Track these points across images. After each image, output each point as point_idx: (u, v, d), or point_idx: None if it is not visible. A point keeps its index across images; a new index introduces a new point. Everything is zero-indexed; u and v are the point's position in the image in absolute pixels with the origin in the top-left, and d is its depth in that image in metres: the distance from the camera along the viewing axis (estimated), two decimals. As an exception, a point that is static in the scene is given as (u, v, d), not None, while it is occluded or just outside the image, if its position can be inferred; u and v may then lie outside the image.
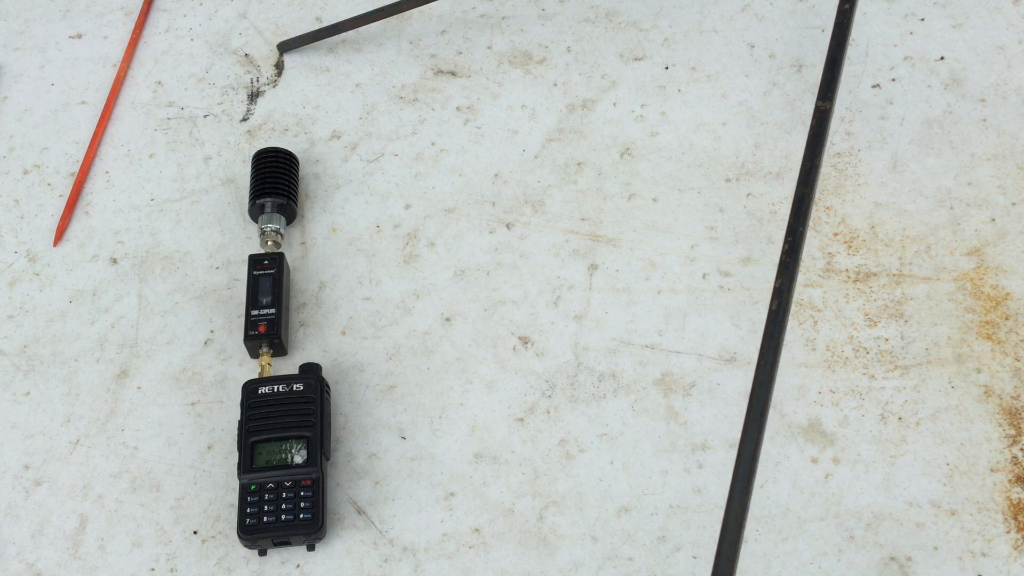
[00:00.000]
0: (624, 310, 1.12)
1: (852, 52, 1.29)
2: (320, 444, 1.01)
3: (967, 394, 1.05)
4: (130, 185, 1.24)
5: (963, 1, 1.34)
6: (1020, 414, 1.04)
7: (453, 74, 1.32)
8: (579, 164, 1.23)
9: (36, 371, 1.11)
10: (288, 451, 1.01)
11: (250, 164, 1.22)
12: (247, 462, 1.00)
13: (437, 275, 1.16)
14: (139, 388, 1.10)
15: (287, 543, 0.99)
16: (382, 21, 1.34)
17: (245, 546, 0.99)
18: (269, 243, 1.16)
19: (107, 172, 1.25)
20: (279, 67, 1.34)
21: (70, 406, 1.09)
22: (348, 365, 1.10)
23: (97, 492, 1.04)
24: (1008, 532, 0.98)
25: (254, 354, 1.10)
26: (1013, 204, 1.17)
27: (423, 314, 1.13)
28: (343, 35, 1.34)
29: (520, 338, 1.11)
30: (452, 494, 1.03)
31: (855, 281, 1.13)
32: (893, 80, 1.28)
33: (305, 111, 1.30)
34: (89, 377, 1.11)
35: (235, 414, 1.07)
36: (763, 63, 1.30)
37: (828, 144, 1.14)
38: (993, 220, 1.16)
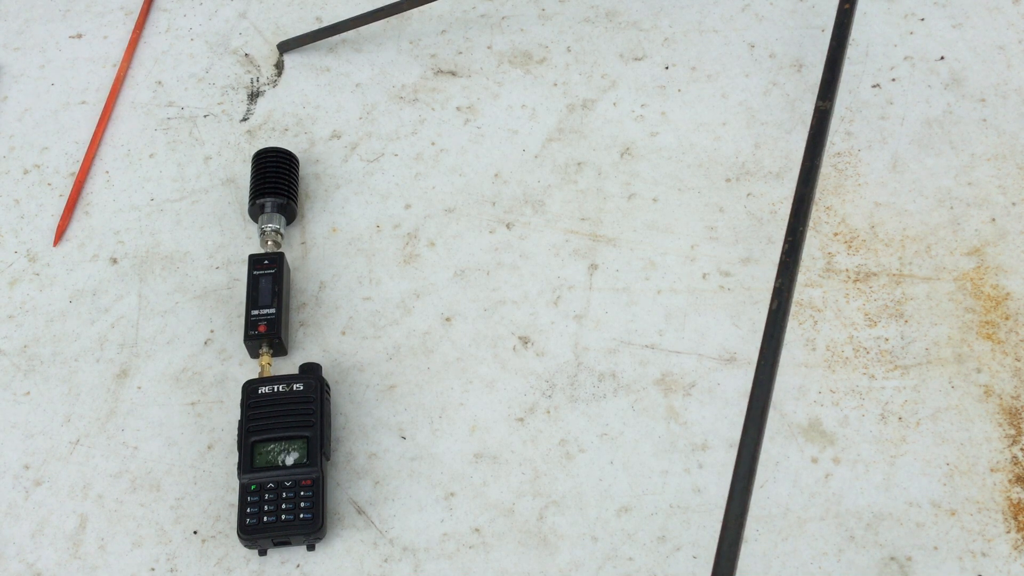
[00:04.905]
0: (624, 310, 1.12)
1: (852, 52, 1.29)
2: (320, 444, 1.01)
3: (967, 394, 1.05)
4: (130, 185, 1.24)
5: (963, 1, 1.34)
6: (1020, 414, 1.04)
7: (453, 74, 1.32)
8: (579, 164, 1.23)
9: (36, 371, 1.11)
10: (288, 451, 1.01)
11: (250, 164, 1.22)
12: (247, 462, 1.00)
13: (437, 275, 1.16)
14: (139, 388, 1.10)
15: (287, 543, 0.99)
16: (382, 21, 1.34)
17: (245, 546, 0.99)
18: (269, 243, 1.16)
19: (107, 172, 1.25)
20: (279, 67, 1.34)
21: (70, 406, 1.09)
22: (348, 365, 1.10)
23: (97, 492, 1.04)
24: (1008, 532, 0.98)
25: (254, 354, 1.10)
26: (1013, 204, 1.17)
27: (423, 314, 1.13)
28: (343, 35, 1.34)
29: (520, 338, 1.11)
30: (452, 494, 1.03)
31: (855, 281, 1.13)
32: (893, 80, 1.28)
33: (305, 111, 1.30)
34: (89, 377, 1.11)
35: (235, 414, 1.07)
36: (763, 63, 1.30)
37: (828, 144, 1.14)
38: (993, 220, 1.16)
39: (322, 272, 1.17)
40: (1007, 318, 1.10)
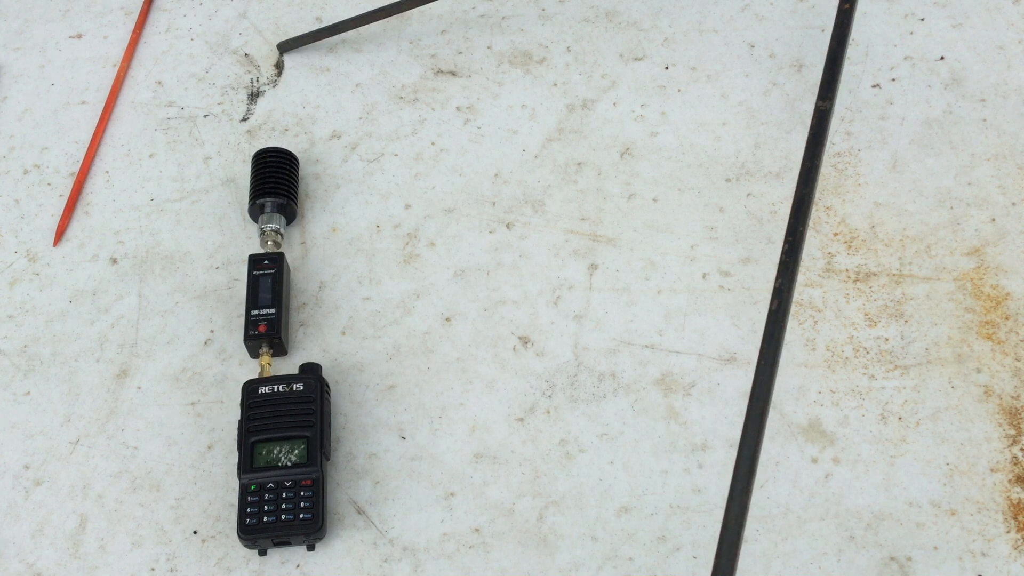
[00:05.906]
0: (624, 310, 1.12)
1: (852, 52, 1.29)
2: (320, 444, 1.01)
3: (967, 394, 1.05)
4: (130, 185, 1.24)
5: (963, 1, 1.34)
6: (1020, 414, 1.04)
7: (453, 74, 1.32)
8: (579, 164, 1.23)
9: (36, 371, 1.11)
10: (288, 451, 1.01)
11: (250, 164, 1.22)
12: (247, 462, 1.00)
13: (437, 275, 1.16)
14: (139, 388, 1.10)
15: (287, 543, 0.99)
16: (382, 21, 1.34)
17: (245, 546, 0.99)
18: (269, 243, 1.16)
19: (107, 172, 1.25)
20: (279, 67, 1.34)
21: (70, 406, 1.09)
22: (348, 365, 1.10)
23: (97, 492, 1.04)
24: (1008, 532, 0.98)
25: (254, 354, 1.10)
26: (1013, 204, 1.17)
27: (423, 314, 1.13)
28: (343, 35, 1.34)
29: (520, 338, 1.11)
30: (452, 494, 1.03)
31: (855, 281, 1.13)
32: (893, 80, 1.28)
33: (305, 111, 1.30)
34: (89, 377, 1.11)
35: (235, 414, 1.07)
36: (763, 63, 1.30)
37: (828, 144, 1.14)
38: (993, 220, 1.16)
39: (322, 272, 1.17)
40: (1007, 318, 1.10)
